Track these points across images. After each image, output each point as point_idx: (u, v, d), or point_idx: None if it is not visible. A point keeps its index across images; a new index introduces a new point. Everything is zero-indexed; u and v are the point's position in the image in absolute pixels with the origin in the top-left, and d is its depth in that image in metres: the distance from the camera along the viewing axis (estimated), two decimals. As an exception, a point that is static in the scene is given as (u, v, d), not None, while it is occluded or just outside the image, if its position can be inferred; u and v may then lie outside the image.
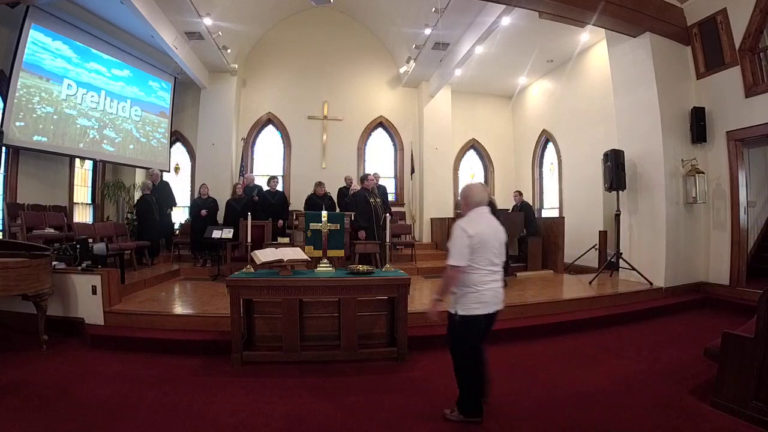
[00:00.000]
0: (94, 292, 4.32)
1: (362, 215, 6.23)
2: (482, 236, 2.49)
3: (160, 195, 7.78)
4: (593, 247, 7.41)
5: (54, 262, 4.29)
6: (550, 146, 9.85)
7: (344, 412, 2.73)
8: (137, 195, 9.22)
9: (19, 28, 6.08)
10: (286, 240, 6.50)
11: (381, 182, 8.52)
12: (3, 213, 6.20)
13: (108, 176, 8.74)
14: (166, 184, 8.31)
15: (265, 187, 7.96)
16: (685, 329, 4.63)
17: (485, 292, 2.51)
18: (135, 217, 7.76)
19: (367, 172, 9.67)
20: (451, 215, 9.34)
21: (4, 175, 6.36)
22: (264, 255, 3.77)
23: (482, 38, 7.14)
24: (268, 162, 10.03)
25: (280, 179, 9.76)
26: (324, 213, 4.11)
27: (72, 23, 6.89)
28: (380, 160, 10.48)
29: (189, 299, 5.13)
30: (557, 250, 7.23)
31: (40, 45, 6.47)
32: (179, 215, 9.19)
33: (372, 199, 6.38)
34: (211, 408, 2.76)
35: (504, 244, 2.64)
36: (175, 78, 9.19)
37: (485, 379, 2.61)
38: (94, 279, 4.34)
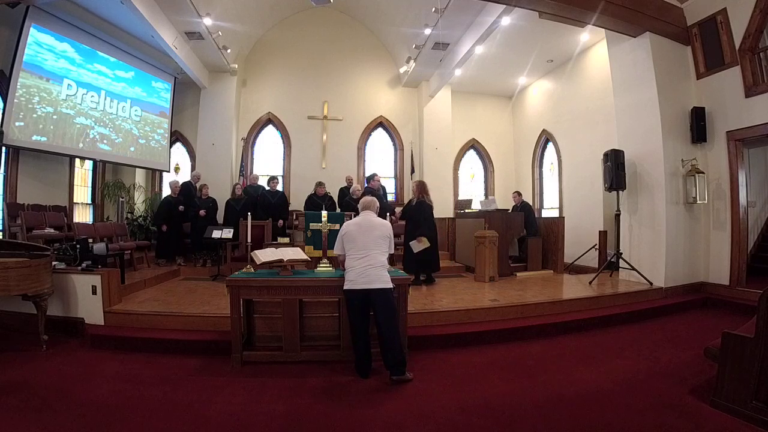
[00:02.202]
0: (94, 292, 4.32)
1: None
2: (348, 232, 3.39)
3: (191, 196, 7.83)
4: (593, 247, 7.41)
5: (54, 262, 4.29)
6: (550, 146, 9.85)
7: (344, 412, 2.73)
8: (137, 195, 9.24)
9: (19, 28, 6.08)
10: (286, 240, 6.50)
11: (381, 182, 8.55)
12: (3, 213, 6.20)
13: (108, 176, 8.75)
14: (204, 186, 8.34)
15: (266, 188, 7.97)
16: (685, 329, 4.63)
17: (350, 272, 3.29)
18: (156, 214, 7.53)
19: (366, 172, 9.71)
20: (451, 215, 9.34)
21: (4, 175, 6.37)
22: (264, 255, 3.77)
23: (482, 38, 7.14)
24: (268, 162, 10.03)
25: (280, 179, 9.77)
26: (324, 213, 4.11)
27: (72, 23, 6.90)
28: (380, 160, 10.48)
29: (189, 299, 5.12)
30: (557, 250, 7.23)
31: (46, 47, 6.50)
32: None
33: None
34: (211, 408, 2.76)
35: (380, 237, 3.38)
36: (175, 78, 9.20)
37: (364, 354, 3.31)
38: (94, 279, 4.34)
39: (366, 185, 8.09)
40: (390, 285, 3.29)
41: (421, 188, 6.17)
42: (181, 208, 7.26)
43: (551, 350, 3.96)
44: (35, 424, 2.51)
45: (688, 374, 3.27)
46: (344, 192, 8.18)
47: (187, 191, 7.72)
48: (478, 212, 7.77)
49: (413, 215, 6.02)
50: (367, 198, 3.71)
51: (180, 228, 7.48)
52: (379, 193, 6.54)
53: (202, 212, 7.22)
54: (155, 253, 7.46)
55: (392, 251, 3.50)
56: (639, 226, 6.11)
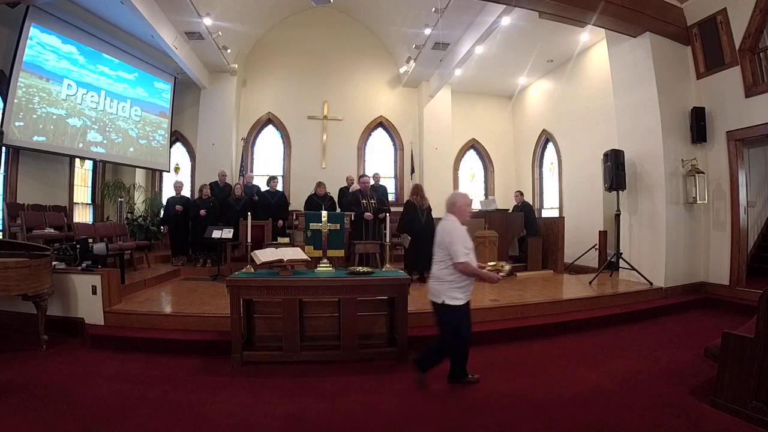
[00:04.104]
0: (94, 292, 4.31)
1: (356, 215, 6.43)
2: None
3: (224, 195, 7.82)
4: (593, 247, 7.40)
5: (54, 262, 4.29)
6: (550, 146, 9.85)
7: (344, 412, 2.73)
8: (137, 195, 9.24)
9: (19, 28, 6.08)
10: (286, 240, 6.50)
11: (381, 182, 8.53)
12: (3, 213, 6.20)
13: (108, 176, 8.75)
14: (229, 185, 8.32)
15: (266, 187, 7.95)
16: (685, 329, 4.63)
17: None
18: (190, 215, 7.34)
19: (366, 172, 9.70)
20: (451, 215, 9.31)
21: (4, 175, 6.37)
22: (264, 255, 3.77)
23: (482, 38, 7.14)
24: (268, 162, 10.04)
25: (280, 179, 9.76)
26: (324, 213, 4.11)
27: (73, 24, 6.90)
28: (380, 160, 10.49)
29: (189, 299, 5.13)
30: (557, 250, 7.23)
31: (49, 48, 6.54)
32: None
33: (364, 201, 6.48)
34: (211, 408, 2.76)
35: (436, 245, 3.07)
36: (175, 78, 9.20)
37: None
38: (94, 279, 4.34)
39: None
40: (438, 300, 2.99)
41: (413, 191, 6.60)
42: (178, 207, 7.27)
43: (551, 350, 3.96)
44: (35, 424, 2.51)
45: (688, 374, 3.27)
46: (344, 192, 8.18)
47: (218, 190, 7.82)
48: (478, 212, 7.76)
49: (401, 215, 6.41)
50: (449, 195, 3.29)
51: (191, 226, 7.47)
52: (367, 194, 6.56)
53: (202, 212, 7.18)
54: (179, 252, 7.48)
55: (459, 259, 2.89)
56: (639, 226, 6.11)
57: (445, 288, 2.95)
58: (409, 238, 6.12)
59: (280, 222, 7.35)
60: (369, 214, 6.33)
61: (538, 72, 9.74)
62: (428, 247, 6.12)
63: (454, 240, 2.94)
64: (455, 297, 2.94)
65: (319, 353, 3.66)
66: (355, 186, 7.95)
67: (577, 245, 7.44)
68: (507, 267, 3.11)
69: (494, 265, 3.09)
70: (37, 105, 6.44)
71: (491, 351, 3.93)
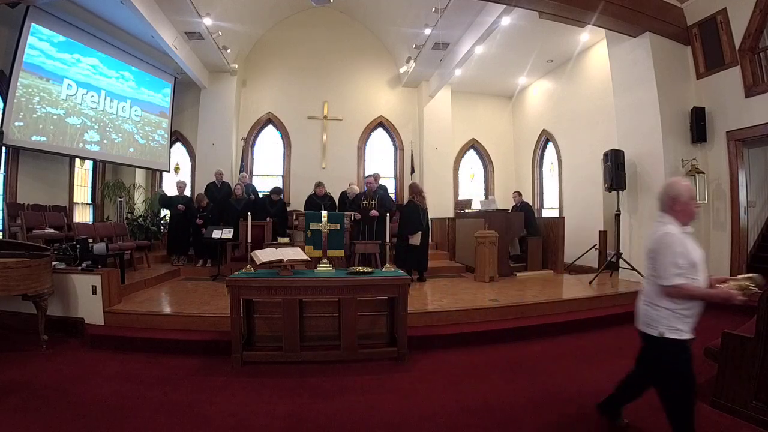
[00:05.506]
0: (94, 292, 4.31)
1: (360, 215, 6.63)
2: None
3: (222, 195, 7.78)
4: (593, 247, 7.41)
5: (54, 262, 4.29)
6: (550, 146, 9.86)
7: (344, 412, 2.73)
8: (137, 195, 9.24)
9: (19, 28, 6.08)
10: (286, 240, 6.51)
11: (381, 182, 8.49)
12: (3, 213, 6.20)
13: (108, 176, 8.75)
14: (227, 184, 8.27)
15: (265, 188, 7.92)
16: (685, 329, 4.62)
17: None
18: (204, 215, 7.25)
19: (366, 172, 9.70)
20: (451, 215, 9.34)
21: (4, 175, 6.37)
22: (264, 255, 3.77)
23: (482, 38, 7.15)
24: (268, 162, 10.04)
25: (280, 179, 9.77)
26: (324, 213, 4.11)
27: (73, 24, 6.90)
28: (380, 160, 10.49)
29: (189, 299, 5.13)
30: (557, 250, 7.23)
31: (48, 47, 6.54)
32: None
33: (365, 201, 6.55)
34: (211, 408, 2.76)
35: (646, 256, 2.29)
36: (175, 78, 9.20)
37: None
38: (94, 279, 4.34)
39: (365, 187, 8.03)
40: (653, 331, 2.21)
41: (411, 190, 6.66)
42: (180, 207, 7.26)
43: (551, 350, 3.96)
44: (35, 424, 2.51)
45: (688, 374, 3.27)
46: (344, 198, 7.95)
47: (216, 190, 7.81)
48: (478, 212, 7.77)
49: (401, 215, 6.53)
50: (665, 187, 2.23)
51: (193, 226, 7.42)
52: (369, 195, 6.56)
53: (199, 222, 7.07)
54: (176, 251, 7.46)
55: (664, 282, 2.14)
56: (639, 226, 6.11)
57: (664, 315, 2.16)
58: (419, 233, 6.17)
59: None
60: (357, 213, 6.47)
61: (538, 72, 9.74)
62: (420, 249, 6.22)
63: (662, 252, 2.11)
64: (678, 329, 2.13)
65: (319, 353, 3.66)
66: (354, 187, 7.93)
67: (577, 245, 7.44)
68: (759, 280, 2.25)
69: (742, 283, 2.28)
70: (37, 105, 6.44)
71: (491, 351, 3.93)
